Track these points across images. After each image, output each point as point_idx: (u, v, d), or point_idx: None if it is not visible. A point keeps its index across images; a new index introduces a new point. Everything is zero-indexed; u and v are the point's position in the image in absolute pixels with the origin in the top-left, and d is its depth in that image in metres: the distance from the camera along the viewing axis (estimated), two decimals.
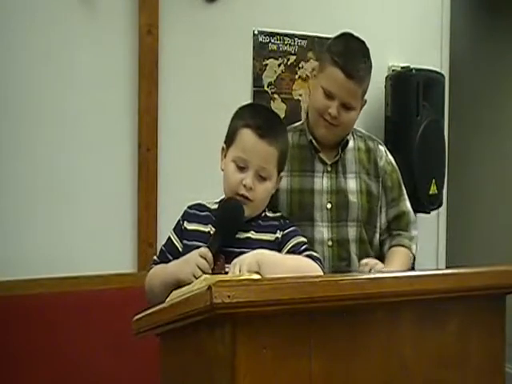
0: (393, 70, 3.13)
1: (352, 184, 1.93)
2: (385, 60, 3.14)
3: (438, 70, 3.16)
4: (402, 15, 3.21)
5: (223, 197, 1.63)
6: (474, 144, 4.38)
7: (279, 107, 2.90)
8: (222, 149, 1.64)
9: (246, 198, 1.54)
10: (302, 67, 2.98)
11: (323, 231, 1.89)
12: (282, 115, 2.89)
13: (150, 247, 2.59)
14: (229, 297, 0.93)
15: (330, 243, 1.88)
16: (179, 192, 2.62)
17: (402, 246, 1.95)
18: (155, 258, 1.66)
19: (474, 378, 1.22)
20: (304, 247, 1.55)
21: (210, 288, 0.94)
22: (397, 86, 3.04)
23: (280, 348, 1.01)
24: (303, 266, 1.46)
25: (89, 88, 2.54)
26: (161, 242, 2.40)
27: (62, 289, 2.41)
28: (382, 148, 2.04)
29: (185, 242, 1.60)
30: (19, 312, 2.33)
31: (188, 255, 1.50)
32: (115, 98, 2.59)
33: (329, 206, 1.90)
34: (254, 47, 2.86)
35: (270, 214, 1.64)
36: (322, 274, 1.48)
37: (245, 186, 1.53)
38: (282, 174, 1.78)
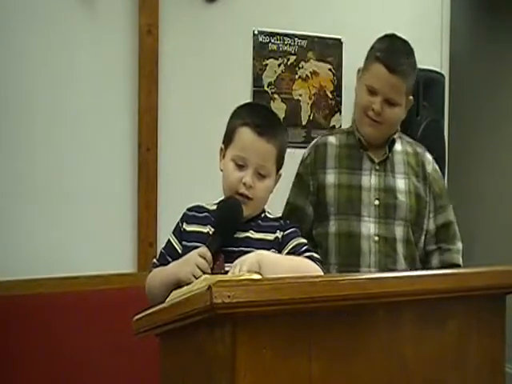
0: None
1: (401, 184, 1.97)
2: None
3: (438, 69, 3.16)
4: (402, 15, 3.21)
5: (222, 198, 1.63)
6: (473, 144, 4.38)
7: (279, 107, 2.90)
8: (221, 149, 1.64)
9: (246, 196, 1.54)
10: (302, 67, 2.98)
11: (370, 226, 1.92)
12: (282, 115, 2.89)
13: (150, 247, 2.59)
14: (229, 297, 0.93)
15: (376, 238, 1.92)
16: (179, 192, 2.63)
17: (454, 264, 2.00)
18: (155, 260, 1.65)
19: (474, 378, 1.22)
20: (305, 248, 1.55)
21: (209, 288, 0.94)
22: None
23: (280, 348, 1.01)
24: (303, 267, 1.45)
25: (89, 88, 2.54)
26: (161, 241, 2.41)
27: (62, 289, 2.41)
28: (429, 155, 2.08)
29: (184, 243, 1.59)
30: (19, 312, 2.33)
31: (187, 255, 1.50)
32: (115, 97, 2.59)
33: (376, 202, 1.94)
34: (254, 47, 2.86)
35: (269, 215, 1.64)
36: (322, 274, 1.48)
37: (244, 184, 1.53)
38: (330, 170, 1.86)
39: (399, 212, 1.94)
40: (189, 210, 1.66)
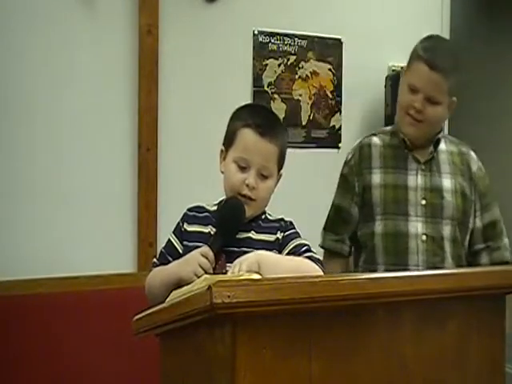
0: (393, 70, 3.13)
1: (447, 183, 1.98)
2: (385, 60, 3.15)
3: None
4: (401, 15, 3.21)
5: (223, 198, 1.63)
6: (473, 144, 4.37)
7: (279, 107, 2.91)
8: (221, 151, 1.64)
9: (249, 197, 1.54)
10: (302, 67, 2.98)
11: (417, 226, 1.93)
12: (282, 115, 2.90)
13: (150, 247, 2.59)
14: (229, 297, 0.93)
15: (423, 238, 1.93)
16: (179, 192, 2.63)
17: (506, 262, 2.01)
18: (155, 260, 1.65)
19: (474, 378, 1.22)
20: (305, 248, 1.55)
21: (210, 288, 0.94)
22: (397, 85, 3.02)
23: (280, 348, 1.01)
24: (304, 267, 1.45)
25: (89, 88, 2.54)
26: (161, 241, 2.41)
27: (61, 289, 2.41)
28: (474, 154, 2.08)
29: (185, 243, 1.59)
30: (19, 312, 2.33)
31: (189, 255, 1.50)
32: (115, 97, 2.59)
33: (423, 202, 1.95)
34: (254, 47, 2.86)
35: (270, 217, 1.64)
36: (322, 274, 1.48)
37: (247, 185, 1.53)
38: (376, 170, 1.88)
39: (446, 211, 1.95)
40: (189, 210, 1.65)
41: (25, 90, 2.44)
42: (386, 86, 3.08)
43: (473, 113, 4.35)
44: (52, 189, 2.48)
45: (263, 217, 1.62)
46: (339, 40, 3.05)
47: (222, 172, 1.61)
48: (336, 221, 2.12)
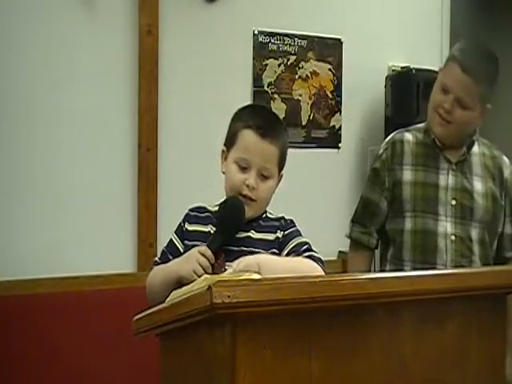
0: (393, 70, 3.13)
1: (478, 186, 1.97)
2: (385, 60, 3.15)
3: (437, 70, 3.16)
4: (402, 15, 3.22)
5: (225, 199, 1.64)
6: None
7: (279, 107, 2.91)
8: (222, 151, 1.64)
9: (250, 198, 1.54)
10: (302, 67, 2.98)
11: (447, 225, 1.94)
12: (282, 115, 2.89)
13: (150, 247, 2.59)
14: (229, 297, 0.93)
15: (452, 238, 1.93)
16: (179, 192, 2.63)
17: None
18: (156, 259, 1.65)
19: (474, 378, 1.22)
20: (305, 247, 1.55)
21: (210, 288, 0.94)
22: (397, 85, 3.04)
23: (280, 348, 1.01)
24: (306, 266, 1.46)
25: (89, 88, 2.54)
26: (161, 241, 2.41)
27: (62, 289, 2.41)
28: (507, 159, 2.07)
29: (186, 242, 1.60)
30: (19, 312, 2.33)
31: (188, 253, 1.51)
32: (115, 97, 2.59)
33: (453, 202, 1.95)
34: (254, 47, 2.86)
35: (270, 215, 1.64)
36: (322, 273, 1.48)
37: (248, 186, 1.53)
38: (407, 167, 1.89)
39: (476, 214, 1.95)
40: (191, 210, 1.66)
41: (25, 90, 2.44)
42: (386, 86, 3.08)
43: None
44: (52, 189, 2.48)
45: (264, 216, 1.62)
46: (339, 40, 3.05)
47: (223, 172, 1.61)
48: (364, 213, 2.14)
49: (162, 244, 1.70)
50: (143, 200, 2.60)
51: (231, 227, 1.55)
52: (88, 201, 2.53)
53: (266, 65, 2.89)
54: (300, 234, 1.59)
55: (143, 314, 1.30)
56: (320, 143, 3.03)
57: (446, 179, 1.97)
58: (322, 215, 2.97)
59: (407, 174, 1.99)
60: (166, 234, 1.72)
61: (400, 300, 1.11)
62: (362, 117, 3.14)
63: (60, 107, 2.49)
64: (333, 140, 3.06)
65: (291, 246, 1.55)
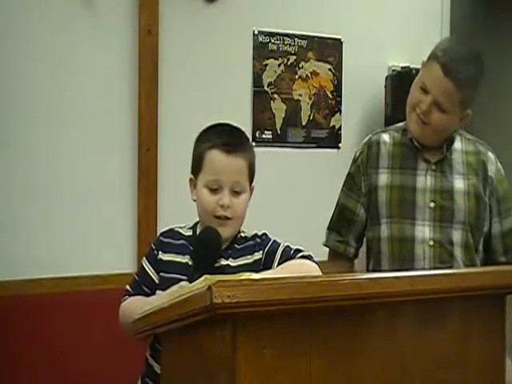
0: (393, 70, 3.13)
1: (459, 185, 1.86)
2: (385, 60, 3.15)
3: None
4: (402, 15, 3.22)
5: (197, 220, 1.61)
6: None
7: (279, 107, 2.91)
8: (190, 180, 1.62)
9: (226, 217, 1.51)
10: (302, 67, 2.98)
11: (424, 230, 1.83)
12: (282, 115, 2.90)
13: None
14: (229, 297, 0.93)
15: (431, 243, 1.83)
16: (179, 192, 2.61)
17: None
18: (128, 288, 1.60)
19: (474, 378, 1.22)
20: (293, 251, 1.53)
21: (210, 288, 0.94)
22: (397, 86, 3.04)
23: (280, 348, 1.01)
24: (306, 267, 1.45)
25: (89, 88, 2.54)
26: None
27: (62, 289, 2.41)
28: (492, 155, 1.96)
29: (162, 274, 1.55)
30: (19, 312, 2.33)
31: (170, 289, 1.44)
32: (115, 98, 2.59)
33: (432, 204, 1.85)
34: (253, 47, 2.86)
35: (243, 234, 1.60)
36: (321, 273, 1.48)
37: (222, 206, 1.51)
38: (383, 170, 1.79)
39: (457, 215, 1.84)
40: (163, 236, 1.61)
41: (25, 91, 2.44)
42: (385, 86, 3.08)
43: (472, 113, 4.35)
44: (52, 189, 2.48)
45: (238, 236, 1.59)
46: (339, 40, 3.05)
47: (194, 200, 1.59)
48: (340, 221, 2.04)
49: None
50: (143, 200, 2.60)
51: (210, 259, 1.51)
52: (88, 201, 2.53)
53: (266, 65, 2.89)
54: (279, 243, 1.57)
55: (143, 313, 1.30)
56: (320, 143, 3.03)
57: (424, 181, 1.86)
58: (322, 215, 2.96)
59: (383, 178, 1.88)
60: None
61: (400, 300, 1.11)
62: (362, 117, 3.14)
63: (60, 107, 2.49)
64: (333, 140, 3.06)
65: (279, 257, 1.52)
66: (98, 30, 2.55)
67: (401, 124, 2.01)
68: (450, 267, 1.81)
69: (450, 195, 1.85)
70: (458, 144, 1.93)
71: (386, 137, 1.97)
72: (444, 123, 1.83)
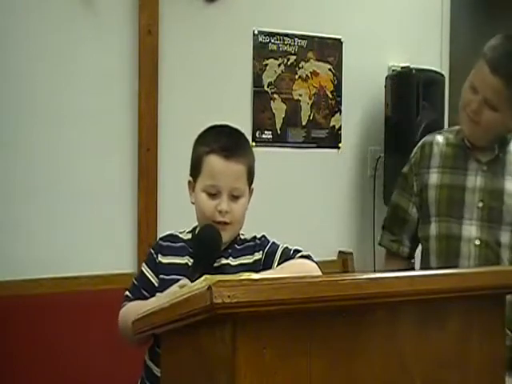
0: (393, 70, 3.13)
1: (510, 186, 1.85)
2: (385, 60, 3.15)
3: (437, 70, 3.16)
4: (402, 15, 3.22)
5: (195, 225, 1.61)
6: None
7: (279, 107, 2.91)
8: (189, 182, 1.61)
9: (224, 222, 1.51)
10: (302, 67, 2.98)
11: (471, 229, 1.84)
12: (282, 115, 2.90)
13: (149, 247, 2.58)
14: (229, 297, 0.93)
15: (477, 242, 1.84)
16: (179, 192, 2.61)
17: None
18: (127, 293, 1.60)
19: (474, 378, 1.22)
20: (292, 251, 1.53)
21: (210, 288, 0.94)
22: (397, 85, 3.04)
23: (280, 348, 1.01)
24: (306, 266, 1.45)
25: (89, 88, 2.54)
26: None
27: (62, 289, 2.41)
28: None
29: (162, 276, 1.55)
30: (19, 312, 2.33)
31: (169, 290, 1.43)
32: (115, 98, 2.59)
33: (480, 204, 1.85)
34: (253, 47, 2.86)
35: (243, 236, 1.60)
36: (321, 273, 1.48)
37: (220, 211, 1.50)
38: (434, 170, 1.82)
39: (506, 216, 1.83)
40: (162, 240, 1.61)
41: (25, 91, 2.44)
42: (386, 86, 3.08)
43: None
44: (52, 189, 2.48)
45: (238, 238, 1.59)
46: (339, 40, 3.05)
47: (193, 203, 1.58)
48: (393, 220, 2.08)
49: None
50: (143, 200, 2.60)
51: (209, 258, 1.51)
52: (88, 201, 2.53)
53: (266, 65, 2.89)
54: (278, 244, 1.57)
55: (143, 314, 1.30)
56: (320, 143, 3.03)
57: (475, 180, 1.87)
58: (322, 215, 2.97)
59: (433, 177, 1.92)
60: None
61: (400, 300, 1.11)
62: (362, 117, 3.14)
63: (60, 107, 2.49)
64: (333, 140, 3.06)
65: (279, 257, 1.52)
66: (98, 30, 2.55)
67: (457, 126, 2.02)
68: None
69: (500, 196, 1.85)
70: None
71: (439, 138, 2.01)
72: (495, 122, 1.82)
